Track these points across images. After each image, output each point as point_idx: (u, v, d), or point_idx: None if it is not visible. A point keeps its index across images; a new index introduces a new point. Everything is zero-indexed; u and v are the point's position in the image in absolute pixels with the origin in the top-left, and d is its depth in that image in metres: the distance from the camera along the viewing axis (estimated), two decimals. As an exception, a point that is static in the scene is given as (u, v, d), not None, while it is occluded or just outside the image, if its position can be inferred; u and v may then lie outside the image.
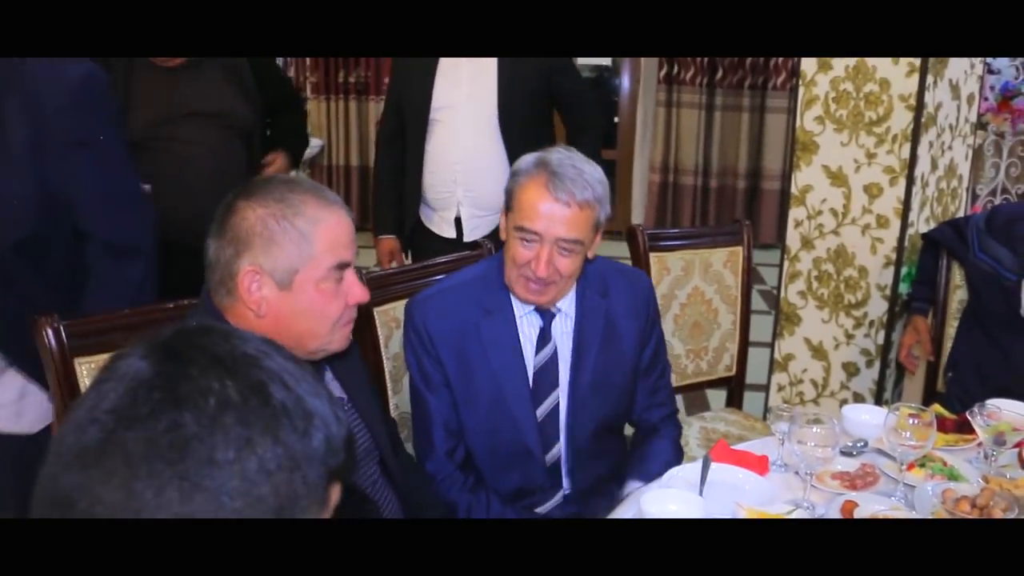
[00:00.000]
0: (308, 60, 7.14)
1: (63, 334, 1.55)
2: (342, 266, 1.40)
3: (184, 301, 1.68)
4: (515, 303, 1.81)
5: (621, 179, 7.36)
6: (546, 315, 1.83)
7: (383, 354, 2.00)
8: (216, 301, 1.41)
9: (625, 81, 7.23)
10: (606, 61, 7.53)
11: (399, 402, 2.04)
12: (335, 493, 0.74)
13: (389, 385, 2.01)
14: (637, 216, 7.15)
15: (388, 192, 3.04)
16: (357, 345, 1.69)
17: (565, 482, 1.90)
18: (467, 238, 2.87)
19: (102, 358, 1.55)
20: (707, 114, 6.78)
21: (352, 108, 7.15)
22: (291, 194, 1.36)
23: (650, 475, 1.78)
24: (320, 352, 1.45)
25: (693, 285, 2.66)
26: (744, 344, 2.75)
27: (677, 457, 1.95)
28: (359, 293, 1.43)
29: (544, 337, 1.83)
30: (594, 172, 1.71)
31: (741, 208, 6.81)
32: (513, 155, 2.47)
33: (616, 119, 7.38)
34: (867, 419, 1.87)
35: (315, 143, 7.20)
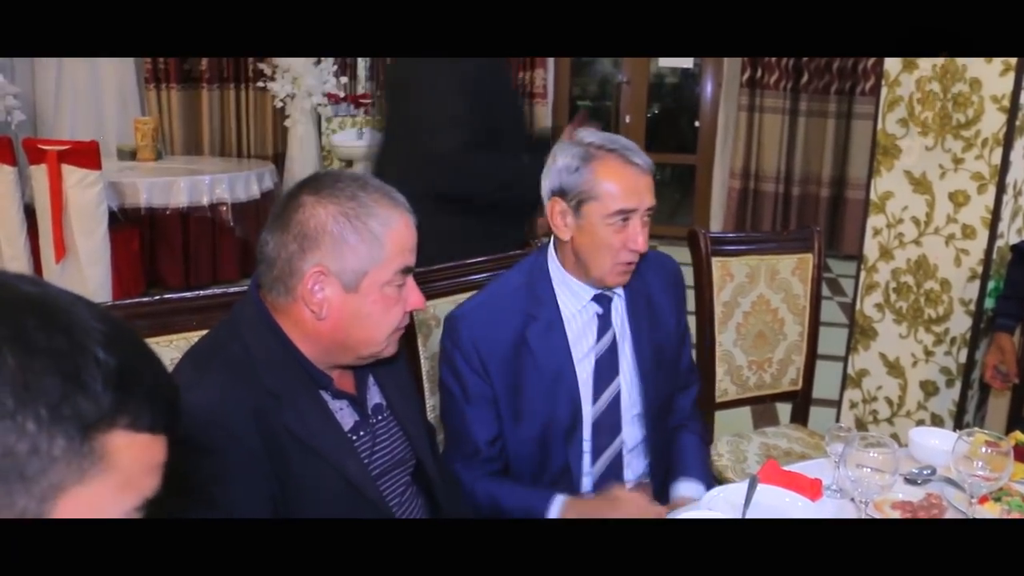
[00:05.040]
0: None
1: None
2: (407, 271, 1.36)
3: (231, 290, 1.64)
4: (563, 303, 1.74)
5: (700, 184, 7.19)
6: (603, 300, 1.77)
7: (420, 353, 1.92)
8: (268, 299, 1.35)
9: (707, 85, 7.06)
10: (688, 63, 7.34)
11: (435, 404, 1.95)
12: (118, 442, 0.61)
13: (426, 386, 1.93)
14: (715, 223, 6.96)
15: None
16: (404, 352, 1.62)
17: (626, 472, 1.81)
18: None
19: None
20: (791, 119, 6.55)
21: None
22: (363, 193, 1.32)
23: (698, 472, 1.81)
24: (370, 359, 1.40)
25: (758, 293, 2.51)
26: (811, 357, 2.58)
27: (706, 451, 1.99)
28: (416, 299, 1.39)
29: (605, 323, 1.78)
30: None
31: (824, 217, 6.55)
32: None
33: (697, 123, 7.22)
34: (937, 444, 1.71)
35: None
